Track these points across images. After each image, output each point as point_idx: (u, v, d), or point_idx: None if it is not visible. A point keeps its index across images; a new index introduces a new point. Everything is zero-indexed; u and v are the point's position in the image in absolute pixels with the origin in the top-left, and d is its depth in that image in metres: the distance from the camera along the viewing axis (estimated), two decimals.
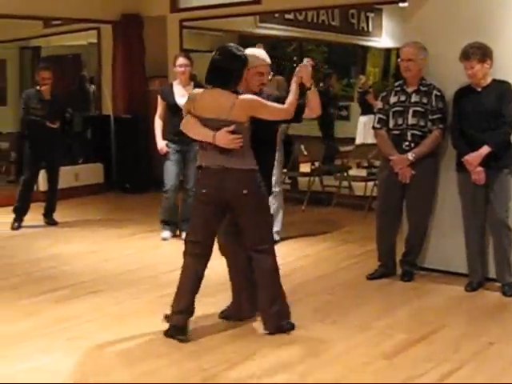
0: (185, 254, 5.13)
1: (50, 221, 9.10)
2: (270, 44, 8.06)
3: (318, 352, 4.84)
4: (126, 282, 6.54)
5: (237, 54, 4.96)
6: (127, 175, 11.53)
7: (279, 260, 5.22)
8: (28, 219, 8.96)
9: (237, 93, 4.92)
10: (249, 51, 5.13)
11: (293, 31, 13.80)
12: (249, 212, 5.05)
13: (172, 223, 8.25)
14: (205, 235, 5.10)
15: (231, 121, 4.85)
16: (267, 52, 5.36)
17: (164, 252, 7.72)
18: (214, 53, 5.00)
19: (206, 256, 5.11)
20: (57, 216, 9.13)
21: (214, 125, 4.89)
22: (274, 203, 7.83)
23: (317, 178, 10.28)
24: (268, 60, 5.22)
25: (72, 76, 13.22)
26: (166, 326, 5.11)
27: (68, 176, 10.46)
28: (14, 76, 13.73)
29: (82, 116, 12.51)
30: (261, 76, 5.16)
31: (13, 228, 8.82)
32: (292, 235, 8.15)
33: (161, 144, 8.09)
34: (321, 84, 13.85)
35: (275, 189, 7.81)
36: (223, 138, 4.87)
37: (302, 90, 5.15)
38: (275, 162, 5.55)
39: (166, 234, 8.23)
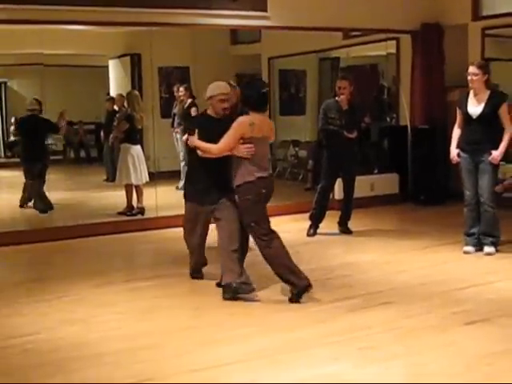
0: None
1: (344, 229, 9.20)
2: None
3: None
4: (418, 295, 6.41)
5: None
6: (423, 187, 11.36)
7: None
8: (323, 227, 9.14)
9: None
10: (215, 83, 6.62)
11: None
12: None
13: (474, 236, 7.96)
14: None
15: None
16: None
17: (457, 267, 7.47)
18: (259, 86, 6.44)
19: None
20: (351, 225, 9.22)
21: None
22: None
23: None
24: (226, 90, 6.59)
25: (370, 86, 13.30)
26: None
27: (363, 185, 10.52)
28: (313, 86, 14.10)
29: (379, 126, 12.55)
30: (222, 103, 6.52)
31: (308, 234, 9.03)
32: None
33: (453, 153, 7.93)
34: None
35: None
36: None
37: None
38: None
39: (468, 247, 7.96)
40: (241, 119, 6.24)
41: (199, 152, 6.41)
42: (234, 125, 6.20)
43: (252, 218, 6.24)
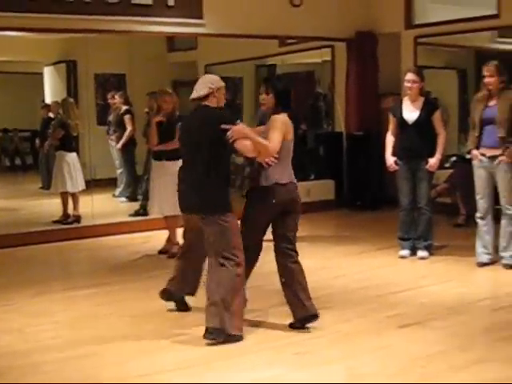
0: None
1: None
2: (509, 60, 7.66)
3: None
4: (354, 299, 6.52)
5: None
6: (359, 192, 11.53)
7: None
8: None
9: None
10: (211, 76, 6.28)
11: None
12: None
13: (409, 240, 8.14)
14: None
15: None
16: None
17: (391, 271, 7.62)
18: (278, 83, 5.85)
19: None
20: None
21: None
22: (506, 226, 7.47)
23: None
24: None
25: (306, 93, 13.42)
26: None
27: (299, 191, 10.50)
28: (249, 93, 14.16)
29: (315, 133, 12.68)
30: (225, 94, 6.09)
31: None
32: None
33: (389, 161, 8.05)
34: None
35: (509, 211, 7.44)
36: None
37: None
38: None
39: (404, 252, 8.12)
40: (282, 118, 5.65)
41: (247, 149, 5.48)
42: (278, 124, 5.59)
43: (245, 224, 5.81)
